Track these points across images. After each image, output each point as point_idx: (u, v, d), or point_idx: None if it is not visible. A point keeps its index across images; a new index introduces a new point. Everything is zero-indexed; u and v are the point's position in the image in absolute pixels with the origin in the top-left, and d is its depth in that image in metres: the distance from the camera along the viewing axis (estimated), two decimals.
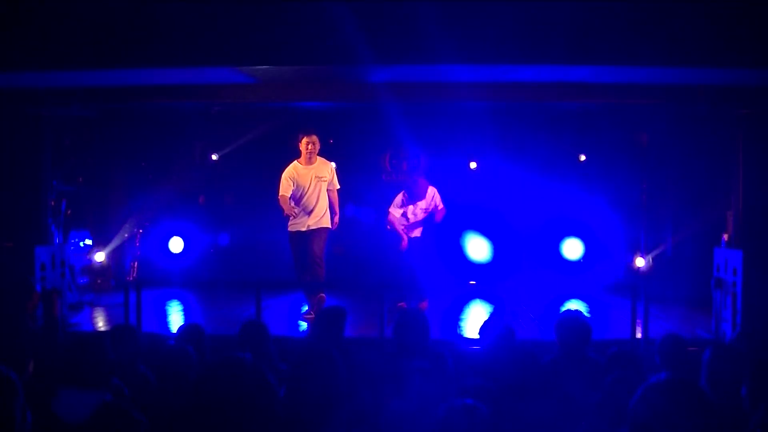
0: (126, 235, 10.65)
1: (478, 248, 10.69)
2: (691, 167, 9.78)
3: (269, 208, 10.69)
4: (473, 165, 10.84)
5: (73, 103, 8.29)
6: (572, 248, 10.70)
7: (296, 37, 6.62)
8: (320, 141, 8.05)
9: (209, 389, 1.96)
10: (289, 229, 7.99)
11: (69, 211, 9.50)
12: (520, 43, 6.55)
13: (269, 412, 1.95)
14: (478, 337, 4.86)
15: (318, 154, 8.06)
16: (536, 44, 6.54)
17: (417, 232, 8.73)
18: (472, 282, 10.27)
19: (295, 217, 7.90)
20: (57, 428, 3.05)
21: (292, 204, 7.89)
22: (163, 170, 11.14)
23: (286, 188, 7.91)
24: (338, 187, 8.13)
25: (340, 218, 8.26)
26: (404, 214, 8.65)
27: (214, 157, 11.11)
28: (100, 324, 8.02)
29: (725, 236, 8.19)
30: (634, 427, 2.18)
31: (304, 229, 7.92)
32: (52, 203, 8.82)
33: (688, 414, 2.12)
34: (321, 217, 7.93)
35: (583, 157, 10.59)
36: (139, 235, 10.76)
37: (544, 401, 3.72)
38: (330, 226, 8.01)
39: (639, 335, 6.53)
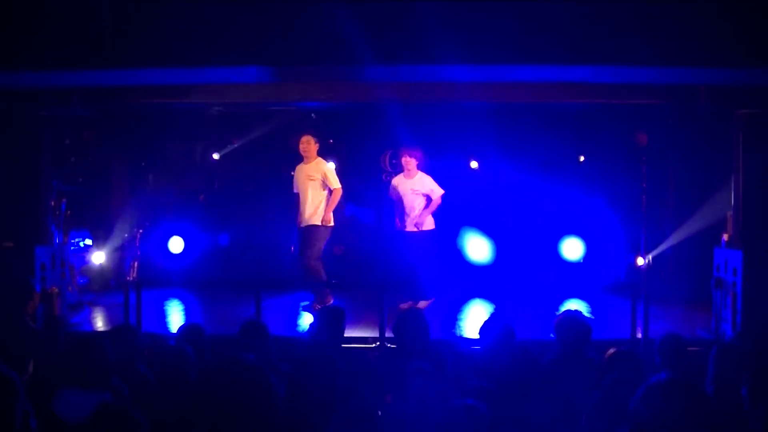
0: (125, 236, 10.64)
1: (478, 248, 10.69)
2: (691, 167, 9.77)
3: (269, 208, 10.74)
4: (474, 164, 10.81)
5: (74, 103, 8.29)
6: (572, 248, 10.69)
7: (295, 36, 6.62)
8: (316, 140, 8.18)
9: (209, 389, 1.96)
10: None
11: (69, 211, 9.49)
12: (520, 43, 6.55)
13: (270, 412, 1.95)
14: (478, 337, 4.86)
15: (318, 154, 8.19)
16: (536, 44, 6.54)
17: (421, 224, 8.29)
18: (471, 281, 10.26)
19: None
20: (57, 428, 3.06)
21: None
22: (163, 170, 11.13)
23: (294, 186, 8.29)
24: (336, 186, 8.05)
25: (338, 217, 8.34)
26: (399, 201, 8.41)
27: (215, 156, 11.10)
28: (100, 324, 8.02)
29: (725, 236, 8.18)
30: (634, 427, 2.18)
31: (300, 226, 8.21)
32: (52, 203, 8.81)
33: (688, 414, 2.12)
34: (309, 215, 8.06)
35: (581, 158, 10.58)
36: (139, 235, 10.75)
37: (544, 401, 3.73)
38: (318, 224, 8.03)
39: (639, 335, 6.53)
